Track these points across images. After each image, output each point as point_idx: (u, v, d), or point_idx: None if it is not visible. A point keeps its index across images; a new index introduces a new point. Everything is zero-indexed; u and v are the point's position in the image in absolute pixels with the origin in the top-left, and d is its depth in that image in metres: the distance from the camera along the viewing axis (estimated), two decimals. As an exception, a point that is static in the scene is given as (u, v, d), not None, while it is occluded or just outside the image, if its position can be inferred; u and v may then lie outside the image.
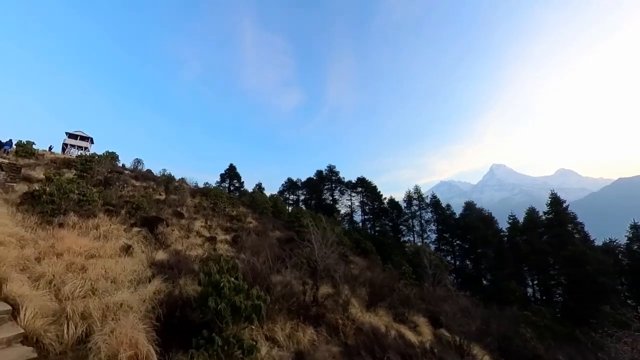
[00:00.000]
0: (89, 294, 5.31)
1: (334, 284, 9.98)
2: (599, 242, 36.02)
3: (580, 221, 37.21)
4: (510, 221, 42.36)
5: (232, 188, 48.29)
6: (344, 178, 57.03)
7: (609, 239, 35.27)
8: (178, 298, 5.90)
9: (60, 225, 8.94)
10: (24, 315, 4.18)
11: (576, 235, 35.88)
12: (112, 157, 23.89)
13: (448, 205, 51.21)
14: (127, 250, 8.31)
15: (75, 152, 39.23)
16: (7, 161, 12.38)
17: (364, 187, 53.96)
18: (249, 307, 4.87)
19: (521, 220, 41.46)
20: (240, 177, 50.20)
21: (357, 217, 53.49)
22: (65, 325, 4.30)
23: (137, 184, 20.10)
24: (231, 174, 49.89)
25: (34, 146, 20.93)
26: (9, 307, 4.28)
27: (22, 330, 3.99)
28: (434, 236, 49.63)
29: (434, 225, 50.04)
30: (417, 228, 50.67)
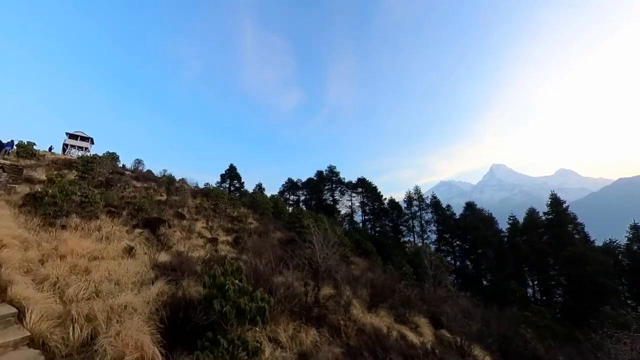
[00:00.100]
0: (93, 296, 5.33)
1: (336, 285, 10.02)
2: (599, 243, 36.00)
3: (580, 221, 37.19)
4: (510, 221, 42.37)
5: (232, 188, 48.33)
6: (344, 178, 57.23)
7: (609, 239, 35.23)
8: (181, 300, 5.91)
9: (63, 227, 8.97)
10: (30, 318, 4.20)
11: (576, 236, 35.85)
12: (112, 157, 23.88)
13: (448, 206, 51.22)
14: (129, 252, 8.33)
15: (75, 153, 39.25)
16: (8, 162, 12.36)
17: (364, 187, 54.06)
18: (254, 309, 4.90)
19: (521, 220, 41.47)
20: (240, 178, 50.27)
21: (358, 217, 53.63)
22: (71, 328, 4.31)
23: (138, 184, 20.07)
24: (231, 174, 49.92)
25: (34, 147, 20.92)
26: (14, 310, 4.31)
27: (29, 333, 4.00)
28: (434, 236, 49.70)
29: (434, 225, 50.09)
30: (418, 228, 50.75)
